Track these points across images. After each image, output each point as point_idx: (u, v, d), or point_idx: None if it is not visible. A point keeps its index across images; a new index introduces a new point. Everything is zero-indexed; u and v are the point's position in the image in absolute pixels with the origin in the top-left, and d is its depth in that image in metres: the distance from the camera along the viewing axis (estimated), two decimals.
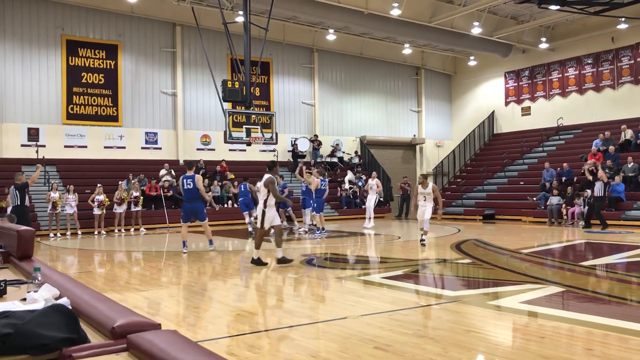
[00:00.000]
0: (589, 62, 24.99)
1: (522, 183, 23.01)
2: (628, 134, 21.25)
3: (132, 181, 19.24)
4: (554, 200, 19.25)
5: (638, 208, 17.83)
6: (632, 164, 19.00)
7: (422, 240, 12.78)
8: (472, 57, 28.48)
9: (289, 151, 25.27)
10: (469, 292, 7.61)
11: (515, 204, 21.04)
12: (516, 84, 27.96)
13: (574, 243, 14.00)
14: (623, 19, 21.79)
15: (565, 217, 18.71)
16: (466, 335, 5.32)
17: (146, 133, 22.71)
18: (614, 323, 5.59)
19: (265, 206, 9.78)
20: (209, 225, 12.86)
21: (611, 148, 20.63)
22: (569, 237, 15.31)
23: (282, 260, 9.92)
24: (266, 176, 9.94)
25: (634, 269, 9.55)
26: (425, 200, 12.47)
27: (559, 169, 21.04)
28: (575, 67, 25.51)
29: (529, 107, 27.41)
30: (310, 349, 4.83)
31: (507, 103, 28.36)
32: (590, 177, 16.22)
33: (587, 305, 6.63)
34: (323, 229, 15.81)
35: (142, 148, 22.60)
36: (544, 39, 24.93)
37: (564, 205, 18.97)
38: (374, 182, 18.85)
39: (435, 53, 28.67)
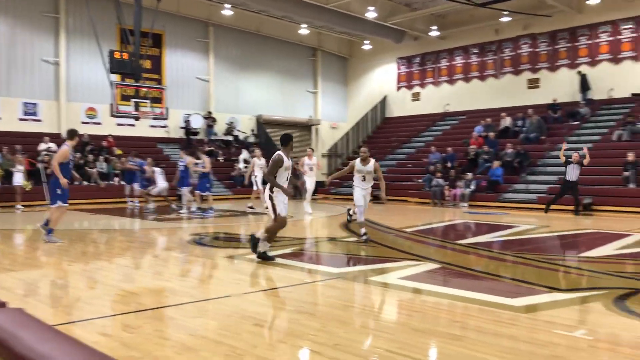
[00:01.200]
0: (475, 51, 26.33)
1: (409, 166, 23.96)
2: (507, 121, 22.71)
3: (17, 155, 17.99)
4: (438, 182, 20.23)
5: (513, 191, 19.16)
6: (510, 150, 20.34)
7: (363, 235, 10.03)
8: (366, 42, 29.06)
9: (181, 128, 24.59)
10: (353, 269, 7.84)
11: (402, 186, 21.87)
12: (408, 70, 28.93)
13: (455, 223, 14.80)
14: (506, 12, 23.11)
15: (448, 198, 19.73)
16: (345, 310, 5.48)
17: (24, 104, 21.15)
18: (486, 297, 5.98)
19: (271, 190, 7.94)
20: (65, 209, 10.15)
21: (491, 134, 21.96)
22: (451, 217, 16.17)
23: (263, 256, 8.05)
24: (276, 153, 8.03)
25: (506, 247, 10.26)
26: (364, 180, 9.96)
27: (444, 153, 22.11)
28: (463, 56, 26.78)
29: (419, 92, 28.49)
30: (188, 327, 4.76)
31: (398, 88, 29.29)
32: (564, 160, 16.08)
33: (460, 281, 7.05)
34: (211, 208, 15.79)
35: (20, 119, 21.05)
36: (434, 27, 25.92)
37: (447, 187, 19.99)
38: (313, 162, 16.73)
39: (332, 35, 28.96)
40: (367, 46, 29.28)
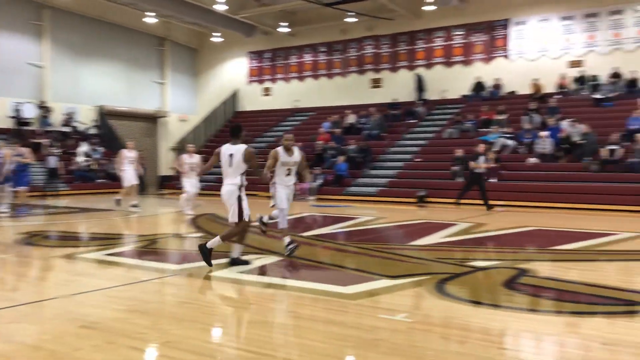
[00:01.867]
0: (323, 50, 27.14)
1: (260, 160, 24.07)
2: (352, 118, 23.72)
3: None
4: None
5: (357, 185, 20.07)
6: (354, 146, 21.26)
7: (289, 245, 8.03)
8: (217, 34, 28.69)
9: (11, 117, 22.47)
10: (193, 265, 7.71)
11: (252, 180, 21.87)
12: (259, 64, 29.05)
13: (302, 216, 15.15)
14: (351, 14, 24.09)
15: (297, 192, 20.12)
16: (180, 307, 5.39)
17: None
18: (321, 287, 6.20)
19: (239, 189, 7.14)
20: None
21: (337, 130, 22.81)
22: (298, 210, 16.53)
23: (236, 262, 7.31)
24: (240, 147, 7.15)
25: (347, 238, 10.72)
26: (289, 175, 8.17)
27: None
28: (312, 53, 27.47)
29: (270, 88, 28.74)
30: (3, 334, 4.38)
31: (249, 82, 29.30)
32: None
33: (299, 272, 7.24)
34: (25, 205, 14.57)
35: None
36: (284, 24, 26.27)
37: (295, 182, 20.39)
38: (132, 155, 15.80)
39: (180, 26, 28.17)
40: (217, 38, 28.89)
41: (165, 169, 27.40)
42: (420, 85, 23.91)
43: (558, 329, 4.77)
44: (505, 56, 22.88)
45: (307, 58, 27.57)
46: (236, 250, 7.30)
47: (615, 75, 20.25)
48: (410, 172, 19.74)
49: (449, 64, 24.07)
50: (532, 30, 22.33)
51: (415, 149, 21.13)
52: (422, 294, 5.89)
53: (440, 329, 4.68)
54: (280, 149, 8.09)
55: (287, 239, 8.01)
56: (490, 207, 15.52)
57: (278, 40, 27.95)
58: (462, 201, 16.13)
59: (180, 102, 29.70)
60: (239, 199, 7.09)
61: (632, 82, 19.80)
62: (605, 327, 4.73)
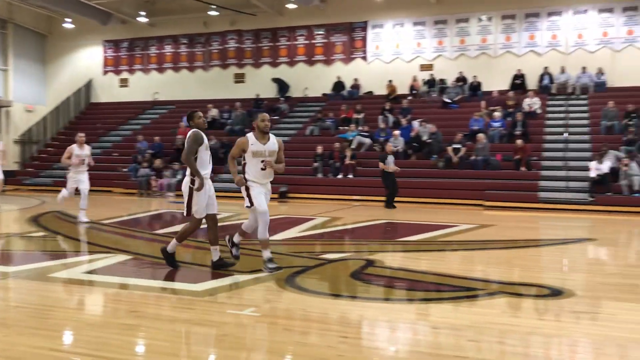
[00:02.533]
0: (185, 42, 26.44)
1: (115, 154, 22.97)
2: (214, 112, 23.37)
3: None
4: (145, 172, 19.82)
5: (219, 180, 19.78)
6: (214, 141, 20.92)
7: (268, 262, 6.57)
8: (69, 20, 26.80)
9: None
10: (31, 266, 7.15)
11: (107, 175, 20.85)
12: (115, 54, 27.59)
13: (159, 212, 14.70)
14: (214, 7, 23.71)
15: (155, 188, 19.47)
16: (10, 311, 4.97)
17: None
18: (169, 285, 6.03)
19: (191, 180, 6.42)
20: None
21: None
22: (156, 207, 16.00)
23: (220, 264, 6.65)
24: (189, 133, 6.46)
25: (207, 234, 10.53)
26: (264, 169, 6.41)
27: (152, 142, 21.74)
28: (172, 45, 26.64)
29: (127, 79, 27.43)
30: None
31: (105, 72, 27.75)
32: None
33: (148, 271, 6.99)
34: None
35: None
36: (143, 13, 25.21)
37: (153, 177, 19.72)
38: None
39: (26, 8, 25.94)
40: (69, 25, 26.99)
41: (10, 163, 25.13)
42: (281, 87, 24.19)
43: (398, 316, 5.05)
44: (364, 57, 23.80)
45: (168, 49, 26.70)
46: (215, 253, 6.61)
47: (461, 80, 21.89)
48: None
49: (310, 62, 24.55)
50: (388, 34, 23.45)
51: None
52: (273, 288, 5.95)
53: (286, 321, 4.76)
54: (250, 136, 6.34)
55: (267, 254, 6.47)
56: (391, 206, 15.16)
57: (136, 30, 26.75)
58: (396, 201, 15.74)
59: (26, 91, 27.34)
60: (190, 191, 6.41)
61: (475, 86, 21.52)
62: (450, 313, 5.09)
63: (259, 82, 24.77)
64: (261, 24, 24.81)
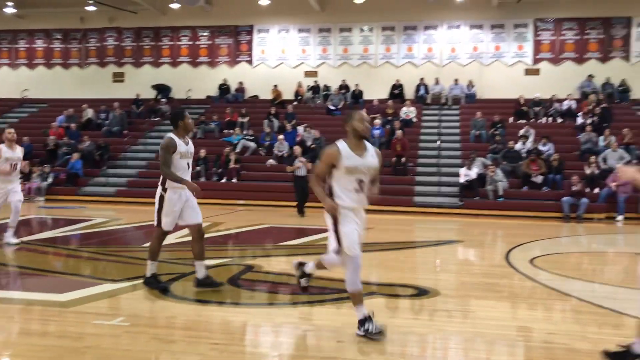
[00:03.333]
0: (59, 37, 24.92)
1: None
2: (90, 113, 22.20)
3: None
4: None
5: (94, 184, 18.85)
6: (89, 142, 19.88)
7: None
8: None
9: None
10: None
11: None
12: None
13: (28, 218, 13.69)
14: (91, 2, 22.56)
15: (23, 192, 18.10)
16: None
17: None
18: (32, 296, 5.64)
19: (163, 189, 5.86)
20: None
21: (73, 125, 21.15)
22: (24, 212, 14.87)
23: (206, 282, 5.99)
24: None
25: (79, 242, 9.96)
26: (359, 189, 4.62)
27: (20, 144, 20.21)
28: (44, 39, 25.01)
29: None
30: None
31: None
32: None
33: (9, 281, 6.50)
34: None
35: None
36: (10, 4, 23.42)
37: (21, 181, 18.32)
38: None
39: None
40: None
41: None
42: (161, 92, 23.51)
43: (273, 320, 5.06)
44: (249, 61, 23.75)
45: (39, 44, 25.05)
46: (200, 269, 5.94)
47: (344, 87, 22.49)
48: (152, 171, 19.18)
49: (194, 64, 24.10)
50: (273, 39, 23.58)
51: (158, 147, 20.61)
52: (145, 296, 5.74)
53: (155, 330, 4.61)
54: (343, 146, 4.52)
55: (362, 312, 4.53)
56: (300, 212, 14.36)
57: (3, 22, 24.80)
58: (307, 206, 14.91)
59: None
60: (161, 200, 5.84)
61: (357, 94, 22.19)
62: (323, 316, 5.18)
63: (139, 82, 23.90)
64: (142, 22, 23.99)
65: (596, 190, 15.53)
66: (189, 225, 6.03)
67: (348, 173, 4.47)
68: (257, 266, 7.38)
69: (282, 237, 10.81)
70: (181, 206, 5.87)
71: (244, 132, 20.31)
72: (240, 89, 23.37)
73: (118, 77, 24.42)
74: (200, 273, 5.90)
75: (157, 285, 5.90)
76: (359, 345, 4.31)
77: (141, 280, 6.07)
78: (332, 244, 4.61)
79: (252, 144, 19.67)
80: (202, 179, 18.29)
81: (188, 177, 5.88)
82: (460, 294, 6.30)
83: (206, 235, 10.68)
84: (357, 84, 22.29)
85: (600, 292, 6.50)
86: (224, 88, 23.35)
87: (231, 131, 20.41)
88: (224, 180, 18.16)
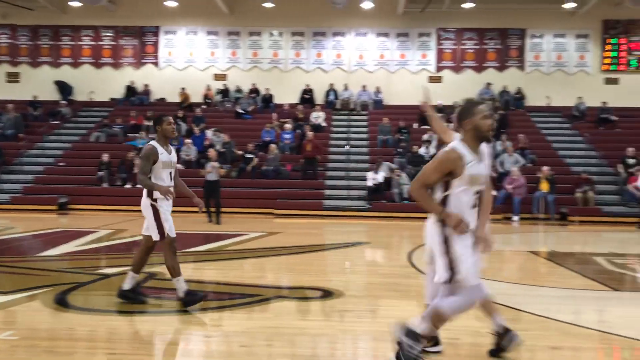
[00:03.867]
0: None
1: None
2: None
3: None
4: None
5: None
6: None
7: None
8: None
9: None
10: None
11: None
12: None
13: None
14: None
15: None
16: None
17: None
18: None
19: (150, 197, 5.44)
20: None
21: None
22: None
23: (189, 300, 5.37)
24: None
25: None
26: (475, 205, 3.89)
27: None
28: None
29: None
30: None
31: None
32: None
33: None
34: None
35: None
36: None
37: None
38: None
39: None
40: None
41: None
42: (63, 90, 22.39)
43: (173, 327, 4.92)
44: (156, 63, 23.12)
45: None
46: (180, 286, 5.41)
47: (254, 91, 22.38)
48: (51, 177, 18.22)
49: (97, 65, 23.14)
50: (181, 41, 23.09)
51: (58, 152, 19.60)
52: (37, 308, 5.41)
53: (48, 343, 4.35)
54: (460, 146, 3.71)
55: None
56: (210, 218, 13.81)
57: None
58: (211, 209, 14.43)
59: None
60: (155, 210, 5.41)
61: (267, 99, 22.16)
62: (225, 321, 5.08)
63: (36, 83, 22.64)
64: (40, 20, 22.74)
65: (494, 193, 16.38)
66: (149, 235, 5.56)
67: (470, 184, 3.65)
68: (160, 273, 7.15)
69: (188, 244, 10.56)
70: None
71: (150, 136, 19.70)
72: (146, 92, 22.68)
73: (12, 77, 22.96)
74: (181, 289, 5.40)
75: (135, 298, 5.52)
76: (268, 350, 4.27)
77: (38, 291, 5.73)
78: (440, 272, 3.68)
79: None
80: (105, 185, 17.59)
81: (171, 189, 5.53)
82: (368, 294, 6.42)
83: (108, 243, 10.34)
84: (267, 88, 22.27)
85: (498, 289, 6.84)
86: (129, 90, 22.55)
87: (136, 135, 19.75)
88: (128, 186, 17.51)
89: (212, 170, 13.94)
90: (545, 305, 5.70)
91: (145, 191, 5.48)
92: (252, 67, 23.08)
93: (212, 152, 14.94)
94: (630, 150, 17.38)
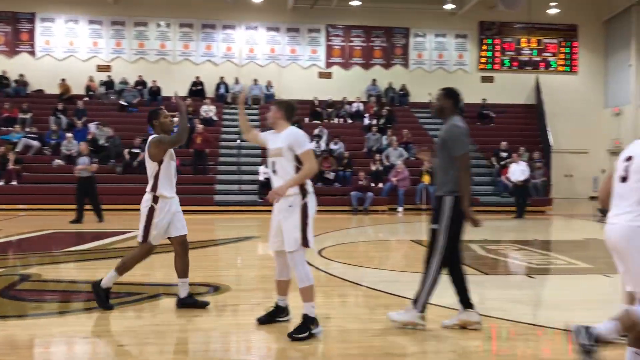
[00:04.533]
0: None
1: None
2: None
3: None
4: None
5: None
6: None
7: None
8: None
9: None
10: None
11: None
12: None
13: None
14: None
15: None
16: None
17: None
18: None
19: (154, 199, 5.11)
20: None
21: None
22: None
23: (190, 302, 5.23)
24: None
25: None
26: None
27: None
28: None
29: None
30: None
31: None
32: None
33: None
34: None
35: None
36: None
37: None
38: None
39: None
40: None
41: None
42: None
43: (48, 331, 4.67)
44: (32, 52, 21.70)
45: None
46: (182, 288, 5.19)
47: (140, 83, 21.60)
48: None
49: None
50: (60, 29, 21.79)
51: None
52: None
53: None
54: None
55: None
56: (100, 217, 13.08)
57: None
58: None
59: None
60: (151, 211, 5.06)
61: (154, 91, 21.48)
62: (103, 321, 4.89)
63: None
64: None
65: (380, 185, 17.01)
66: (173, 238, 5.25)
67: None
68: (35, 275, 6.75)
69: (70, 242, 10.04)
70: (169, 219, 5.16)
71: (26, 130, 18.46)
72: (22, 82, 21.18)
73: None
74: (183, 292, 5.22)
75: (104, 302, 5.09)
76: (158, 348, 4.17)
77: None
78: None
79: (36, 143, 17.98)
80: None
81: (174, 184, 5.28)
82: (258, 287, 6.45)
83: None
84: (154, 80, 21.58)
85: (383, 277, 7.12)
86: (2, 81, 20.94)
87: (10, 128, 18.42)
88: (1, 183, 16.31)
89: (84, 167, 13.00)
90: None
91: (150, 185, 5.17)
92: (138, 59, 22.28)
93: (83, 146, 13.78)
94: (504, 144, 18.73)
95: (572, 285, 6.78)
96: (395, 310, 4.75)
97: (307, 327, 4.34)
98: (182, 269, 5.22)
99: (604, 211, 15.68)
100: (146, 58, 22.30)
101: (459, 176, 4.53)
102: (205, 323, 4.84)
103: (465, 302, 4.63)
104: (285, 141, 4.48)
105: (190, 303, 5.20)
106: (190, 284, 6.43)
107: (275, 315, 4.78)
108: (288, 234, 4.39)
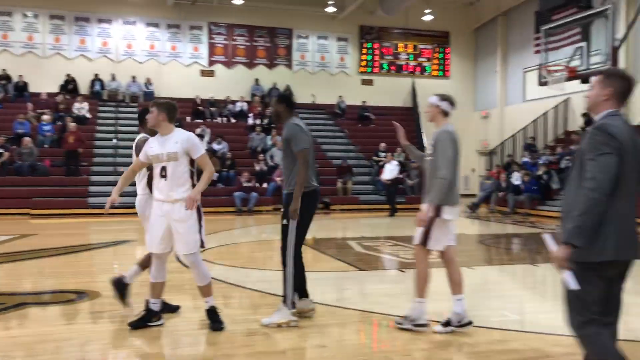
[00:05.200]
0: None
1: None
2: None
3: None
4: None
5: None
6: None
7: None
8: None
9: None
10: None
11: None
12: None
13: None
14: None
15: None
16: None
17: None
18: None
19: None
20: None
21: None
22: None
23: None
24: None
25: None
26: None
27: None
28: None
29: None
30: None
31: None
32: None
33: None
34: None
35: None
36: None
37: None
38: None
39: None
40: None
41: None
42: None
43: None
44: None
45: None
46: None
47: (5, 78, 19.99)
48: None
49: None
50: None
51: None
52: None
53: None
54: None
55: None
56: None
57: None
58: None
59: None
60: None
61: (21, 87, 19.96)
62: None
63: None
64: None
65: (265, 185, 17.00)
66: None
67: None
68: None
69: None
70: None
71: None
72: None
73: None
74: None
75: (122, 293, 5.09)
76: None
77: None
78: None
79: None
80: None
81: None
82: (134, 292, 6.18)
83: None
84: (21, 75, 20.07)
85: (267, 277, 7.11)
86: None
87: None
88: None
89: None
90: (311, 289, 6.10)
91: (140, 188, 5.20)
92: (1, 51, 20.59)
93: None
94: (382, 145, 19.44)
95: (440, 277, 7.15)
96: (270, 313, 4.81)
97: (217, 319, 4.58)
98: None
99: (473, 207, 16.78)
100: (11, 50, 20.67)
101: (298, 170, 4.66)
102: (63, 333, 4.57)
103: (302, 292, 4.89)
104: (181, 146, 4.46)
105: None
106: (51, 292, 6.07)
107: (147, 320, 4.65)
108: (187, 237, 4.45)
